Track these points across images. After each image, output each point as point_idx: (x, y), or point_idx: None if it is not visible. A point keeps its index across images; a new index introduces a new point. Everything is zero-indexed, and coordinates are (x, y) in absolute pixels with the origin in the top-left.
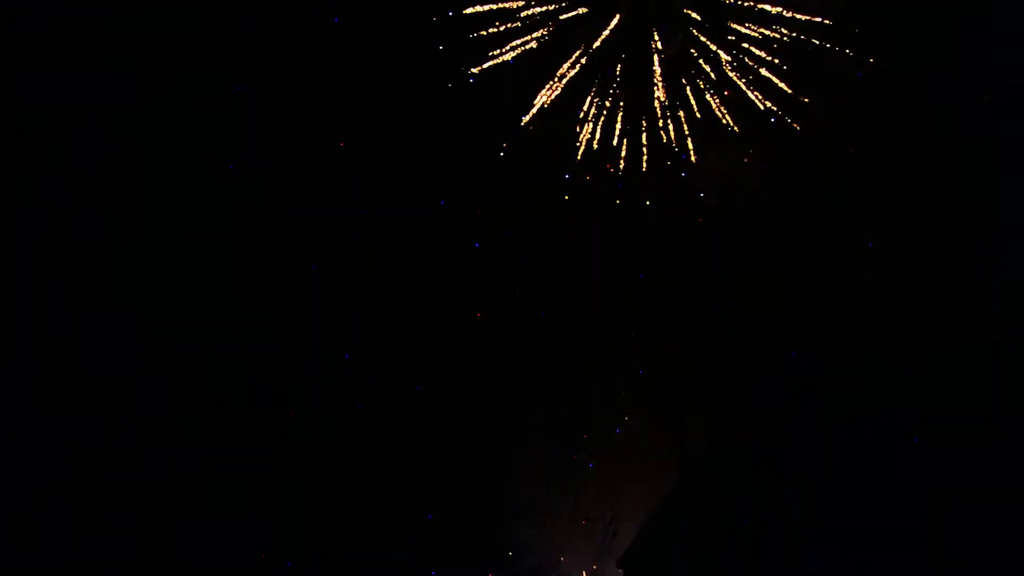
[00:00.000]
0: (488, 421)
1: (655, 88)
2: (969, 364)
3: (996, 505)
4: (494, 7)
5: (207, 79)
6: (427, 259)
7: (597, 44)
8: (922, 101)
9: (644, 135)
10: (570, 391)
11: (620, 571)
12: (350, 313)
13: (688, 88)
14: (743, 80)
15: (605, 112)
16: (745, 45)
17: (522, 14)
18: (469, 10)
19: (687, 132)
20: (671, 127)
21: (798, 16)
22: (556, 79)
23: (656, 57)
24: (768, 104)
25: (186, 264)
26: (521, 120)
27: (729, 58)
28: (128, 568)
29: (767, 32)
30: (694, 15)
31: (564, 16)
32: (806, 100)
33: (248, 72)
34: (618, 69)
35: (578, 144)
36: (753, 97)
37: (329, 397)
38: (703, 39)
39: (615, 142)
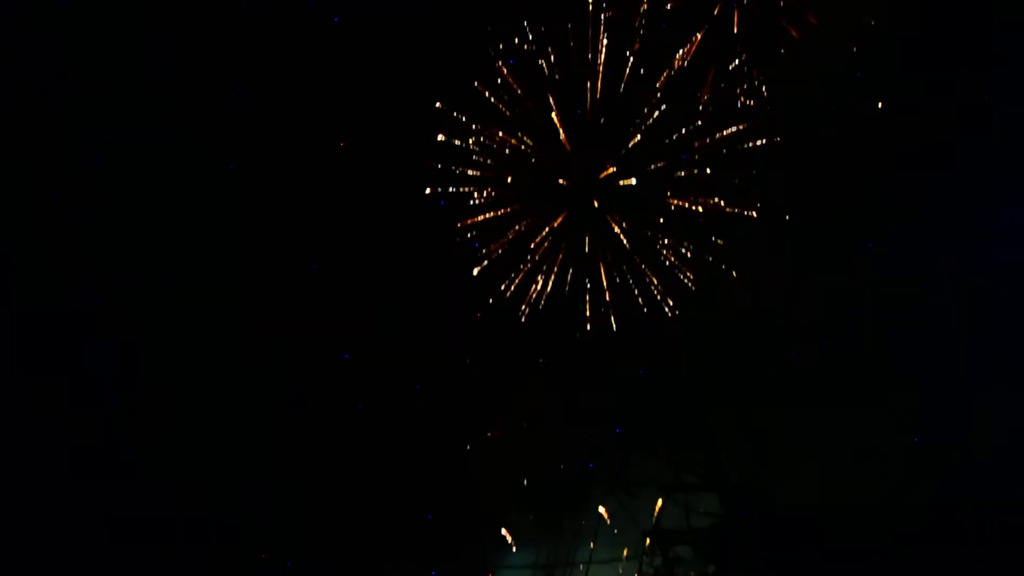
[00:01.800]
0: (486, 423)
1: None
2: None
3: None
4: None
5: (207, 79)
6: (426, 258)
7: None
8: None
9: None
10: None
11: None
12: (349, 313)
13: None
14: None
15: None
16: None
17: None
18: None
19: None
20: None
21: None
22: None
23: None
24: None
25: (185, 264)
26: None
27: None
28: (129, 568)
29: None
30: None
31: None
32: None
33: (248, 72)
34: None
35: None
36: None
37: (329, 397)
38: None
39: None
